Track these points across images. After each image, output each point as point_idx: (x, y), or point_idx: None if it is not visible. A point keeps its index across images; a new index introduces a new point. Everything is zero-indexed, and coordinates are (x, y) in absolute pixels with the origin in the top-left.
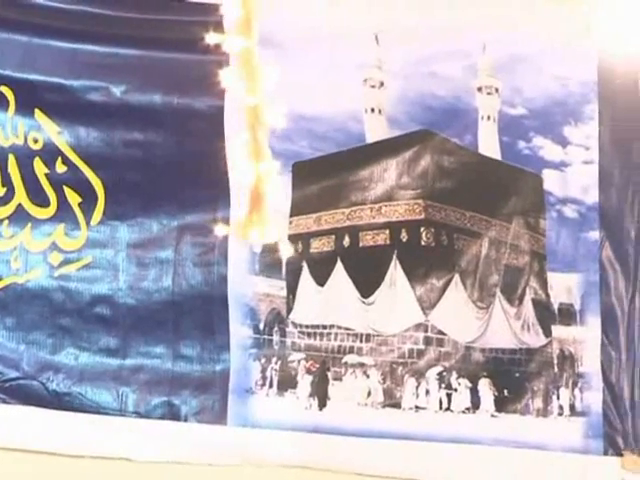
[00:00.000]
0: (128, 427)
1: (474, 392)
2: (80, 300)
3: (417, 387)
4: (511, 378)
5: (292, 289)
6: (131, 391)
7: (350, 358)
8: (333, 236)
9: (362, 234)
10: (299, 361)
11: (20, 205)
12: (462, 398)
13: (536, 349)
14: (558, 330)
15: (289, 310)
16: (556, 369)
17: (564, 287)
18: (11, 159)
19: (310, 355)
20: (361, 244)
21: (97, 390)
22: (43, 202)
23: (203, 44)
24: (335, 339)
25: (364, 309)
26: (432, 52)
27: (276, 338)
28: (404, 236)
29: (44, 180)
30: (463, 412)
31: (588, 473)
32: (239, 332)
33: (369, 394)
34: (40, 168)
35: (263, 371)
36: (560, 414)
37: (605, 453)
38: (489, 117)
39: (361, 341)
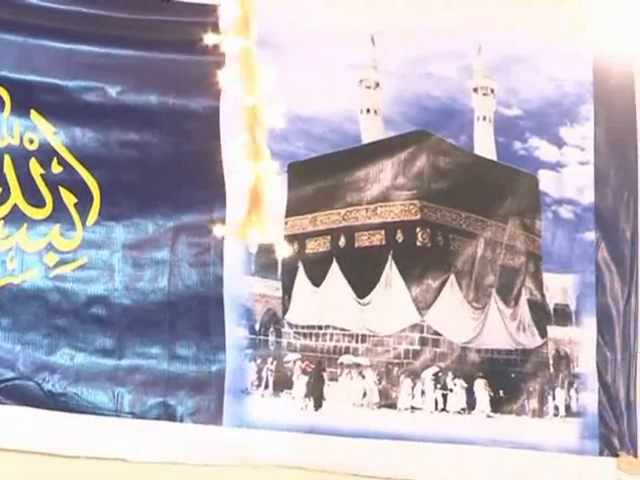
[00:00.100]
0: (124, 427)
1: (470, 393)
2: (76, 301)
3: (413, 388)
4: (507, 379)
5: (288, 290)
6: (127, 391)
7: (346, 359)
8: (329, 236)
9: (358, 234)
10: (295, 362)
11: (16, 205)
12: (458, 399)
13: (532, 350)
14: (554, 331)
15: (285, 311)
16: (552, 370)
17: (560, 288)
18: (7, 159)
19: (306, 356)
20: (357, 244)
21: (93, 390)
22: (39, 202)
23: (199, 45)
24: (331, 340)
25: (360, 309)
26: (428, 53)
27: (272, 339)
28: (400, 237)
29: (40, 180)
30: (459, 413)
31: (584, 474)
32: (235, 333)
33: (365, 395)
34: (36, 168)
35: (259, 372)
36: (556, 415)
37: (601, 454)
38: (485, 118)
39: (357, 342)
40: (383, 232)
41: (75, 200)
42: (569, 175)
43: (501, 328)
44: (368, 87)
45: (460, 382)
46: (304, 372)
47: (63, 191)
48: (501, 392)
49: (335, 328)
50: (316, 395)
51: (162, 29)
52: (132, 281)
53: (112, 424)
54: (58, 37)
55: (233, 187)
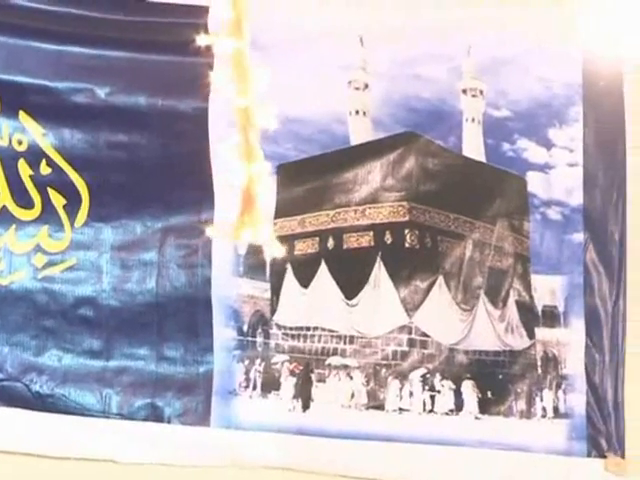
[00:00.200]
0: (112, 429)
1: (458, 394)
2: (64, 302)
3: (401, 389)
4: (495, 380)
5: (276, 291)
6: (115, 393)
7: (334, 360)
8: (317, 238)
9: (346, 236)
10: (283, 363)
11: (4, 207)
12: (446, 400)
13: (520, 351)
14: (542, 332)
15: (273, 312)
16: (540, 371)
17: (548, 289)
18: None
19: (294, 357)
20: (345, 246)
21: (81, 392)
22: (27, 204)
23: (190, 46)
24: (319, 341)
25: (348, 311)
26: (417, 54)
27: (260, 340)
28: (388, 238)
29: (28, 182)
30: (447, 414)
31: (571, 475)
32: (223, 334)
33: (353, 396)
34: (24, 170)
35: (247, 373)
36: (543, 416)
37: (588, 455)
38: (473, 119)
39: (345, 343)
40: (372, 233)
41: (64, 201)
42: (557, 177)
43: (489, 329)
44: (357, 88)
45: (448, 383)
46: (292, 373)
47: (52, 192)
48: (489, 393)
49: (323, 329)
50: (304, 396)
51: (151, 31)
52: (120, 282)
53: (100, 425)
54: (47, 38)
55: (224, 188)
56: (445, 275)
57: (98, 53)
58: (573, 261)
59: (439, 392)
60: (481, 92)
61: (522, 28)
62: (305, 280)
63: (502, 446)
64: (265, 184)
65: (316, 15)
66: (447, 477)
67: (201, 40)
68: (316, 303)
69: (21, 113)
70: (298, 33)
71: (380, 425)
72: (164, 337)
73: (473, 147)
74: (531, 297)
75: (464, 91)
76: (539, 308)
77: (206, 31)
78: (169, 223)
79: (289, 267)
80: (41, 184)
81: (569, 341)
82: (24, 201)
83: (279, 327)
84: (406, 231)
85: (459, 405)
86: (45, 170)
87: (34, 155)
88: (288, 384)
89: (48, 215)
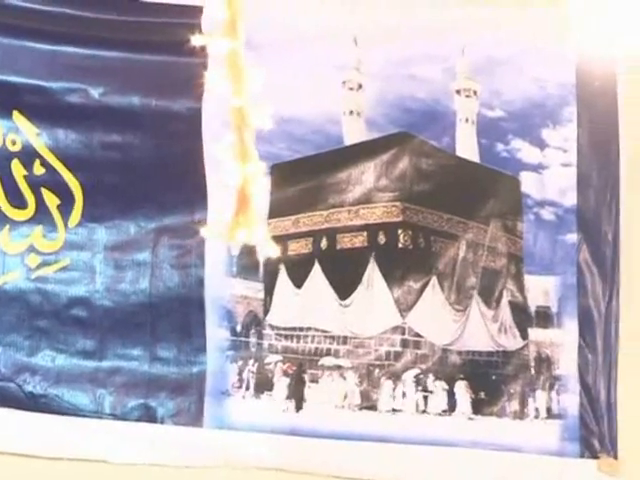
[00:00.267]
0: (105, 429)
1: (451, 394)
2: (57, 302)
3: (394, 389)
4: (488, 381)
5: (269, 291)
6: (108, 393)
7: (327, 360)
8: (311, 238)
9: (340, 236)
10: (276, 363)
11: None
12: (439, 400)
13: (513, 352)
14: (535, 333)
15: (266, 312)
16: (533, 372)
17: (541, 290)
18: None
19: (287, 357)
20: (339, 246)
21: (74, 392)
22: (21, 204)
23: (184, 46)
24: (312, 341)
25: (341, 311)
26: (411, 54)
27: (253, 340)
28: (382, 238)
29: (22, 182)
30: (440, 414)
31: (564, 475)
32: (216, 334)
33: (346, 396)
34: (18, 170)
35: (240, 373)
36: (537, 417)
37: (581, 456)
38: (467, 119)
39: (338, 343)
40: (365, 234)
41: (58, 202)
42: (551, 177)
43: (482, 330)
44: (351, 89)
45: (441, 384)
46: (285, 374)
47: (45, 192)
48: (482, 394)
49: (316, 330)
50: (297, 397)
51: (145, 31)
52: (113, 283)
53: (93, 426)
54: (41, 38)
55: (218, 188)
56: (438, 275)
57: (92, 53)
58: (566, 261)
59: (432, 393)
60: (475, 92)
61: (516, 29)
62: (298, 280)
63: (495, 447)
64: (260, 184)
65: (311, 15)
66: (440, 477)
67: (195, 40)
68: (309, 303)
69: (15, 113)
70: (293, 33)
71: (373, 426)
72: (157, 337)
73: (467, 147)
74: (524, 298)
75: (458, 91)
76: (532, 309)
77: (200, 31)
78: (163, 223)
79: (282, 267)
80: (35, 184)
81: (562, 342)
82: (18, 201)
83: (272, 327)
84: (399, 231)
85: (452, 406)
86: (39, 170)
87: (28, 155)
88: (281, 384)
89: (42, 215)
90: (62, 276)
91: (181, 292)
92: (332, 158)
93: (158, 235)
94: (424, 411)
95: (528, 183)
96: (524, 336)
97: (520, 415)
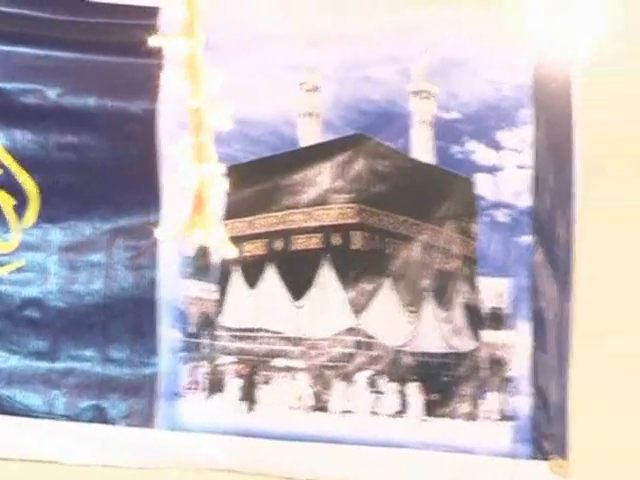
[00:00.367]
0: (57, 430)
1: (403, 396)
2: (10, 303)
3: (346, 391)
4: (440, 382)
5: (223, 293)
6: (61, 394)
7: (279, 362)
8: (266, 240)
9: (294, 238)
10: (229, 365)
11: None
12: (391, 402)
13: (466, 353)
14: (488, 334)
15: (219, 313)
16: (485, 373)
17: (495, 292)
18: None
19: (240, 359)
20: (293, 247)
21: (26, 393)
22: None
23: (140, 47)
24: (265, 343)
25: (295, 312)
26: (366, 56)
27: (206, 342)
28: (337, 240)
29: None
30: (392, 416)
31: (516, 477)
32: (169, 335)
33: (299, 398)
34: None
35: (192, 375)
36: (489, 418)
37: (533, 457)
38: (424, 121)
39: (291, 345)
40: (320, 235)
41: (13, 202)
42: (506, 179)
43: (436, 331)
44: (308, 90)
45: (394, 385)
46: (238, 375)
47: (1, 194)
48: (434, 395)
49: (270, 331)
50: (249, 398)
51: (101, 31)
52: (67, 284)
53: (46, 427)
54: None
55: (173, 189)
56: (392, 277)
57: (48, 54)
58: (520, 264)
59: (385, 394)
60: (431, 94)
61: (472, 30)
62: (253, 281)
63: (447, 448)
64: (217, 186)
65: (269, 15)
66: (392, 479)
67: (152, 41)
68: (263, 304)
69: None
70: (251, 33)
71: (325, 427)
72: (110, 339)
73: (423, 149)
74: (478, 299)
75: (414, 93)
76: (485, 310)
77: (157, 32)
78: (118, 224)
79: (237, 268)
80: None
81: (515, 343)
82: None
83: (225, 329)
84: (354, 233)
85: (404, 407)
86: None
87: None
88: (234, 386)
89: None
90: (17, 277)
91: (135, 293)
92: (287, 159)
93: (113, 236)
94: (376, 412)
95: (482, 185)
96: (477, 338)
97: (472, 417)
